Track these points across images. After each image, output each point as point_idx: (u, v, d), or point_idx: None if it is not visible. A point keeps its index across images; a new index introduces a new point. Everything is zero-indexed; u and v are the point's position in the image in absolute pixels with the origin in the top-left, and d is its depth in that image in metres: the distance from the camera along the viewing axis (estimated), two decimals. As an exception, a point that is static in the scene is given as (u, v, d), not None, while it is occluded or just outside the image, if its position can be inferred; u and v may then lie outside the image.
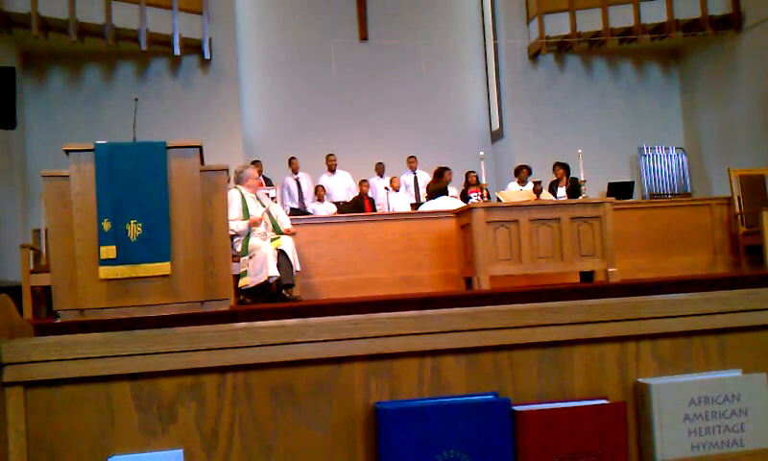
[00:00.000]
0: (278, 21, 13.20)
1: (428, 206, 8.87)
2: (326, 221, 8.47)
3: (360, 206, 10.46)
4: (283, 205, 11.18)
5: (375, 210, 10.52)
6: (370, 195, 11.18)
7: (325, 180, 11.47)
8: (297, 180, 11.37)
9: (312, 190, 11.37)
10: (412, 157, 11.70)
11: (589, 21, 12.19)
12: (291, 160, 11.44)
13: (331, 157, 11.50)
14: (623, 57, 13.13)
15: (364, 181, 10.97)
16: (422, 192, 11.28)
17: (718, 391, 1.42)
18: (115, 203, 5.10)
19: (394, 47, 13.01)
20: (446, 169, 10.53)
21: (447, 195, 9.09)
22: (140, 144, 5.54)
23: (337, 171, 11.50)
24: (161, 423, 1.30)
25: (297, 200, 11.23)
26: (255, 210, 6.98)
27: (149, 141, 5.53)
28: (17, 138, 10.40)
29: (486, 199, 7.59)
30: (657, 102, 13.21)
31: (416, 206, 10.77)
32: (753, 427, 1.42)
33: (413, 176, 11.64)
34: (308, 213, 10.54)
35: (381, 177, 11.58)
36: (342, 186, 11.32)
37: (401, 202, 10.87)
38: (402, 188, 11.50)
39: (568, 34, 12.28)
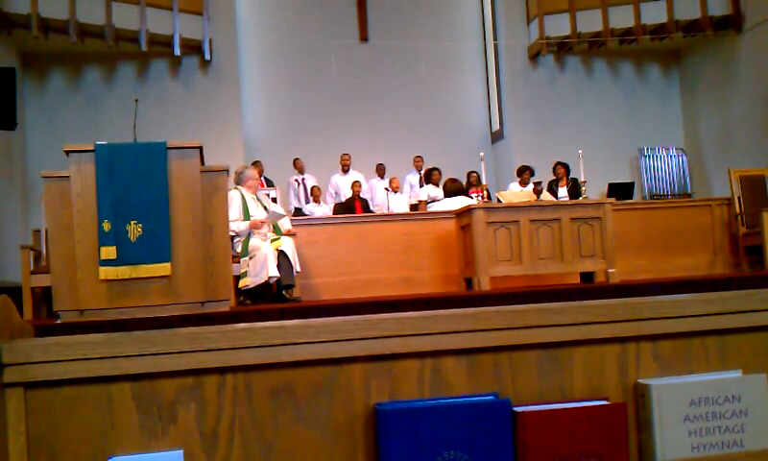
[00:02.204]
0: (279, 22, 13.20)
1: (444, 204, 8.85)
2: (327, 222, 8.47)
3: (351, 207, 10.45)
4: (288, 204, 11.21)
5: (368, 211, 10.51)
6: (368, 196, 11.18)
7: (338, 179, 11.47)
8: (302, 180, 11.37)
9: (316, 191, 11.38)
10: (418, 156, 11.69)
11: (590, 22, 12.19)
12: (295, 161, 11.45)
13: (345, 157, 11.48)
14: (623, 57, 13.13)
15: (357, 182, 10.96)
16: (425, 192, 11.27)
17: (718, 392, 1.42)
18: (115, 203, 5.10)
19: (394, 48, 13.01)
20: (435, 169, 10.55)
21: (465, 195, 9.09)
22: (140, 145, 5.55)
23: (350, 171, 11.49)
24: (162, 423, 1.30)
25: (301, 200, 11.24)
26: (256, 211, 6.98)
27: (149, 142, 5.54)
28: (18, 139, 10.40)
29: (486, 199, 7.59)
30: (657, 102, 13.21)
31: (415, 207, 10.76)
32: (753, 428, 1.42)
33: (419, 176, 11.62)
34: (305, 214, 10.55)
35: (382, 178, 11.56)
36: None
37: (400, 203, 10.86)
38: (407, 188, 11.49)
39: (568, 34, 12.28)
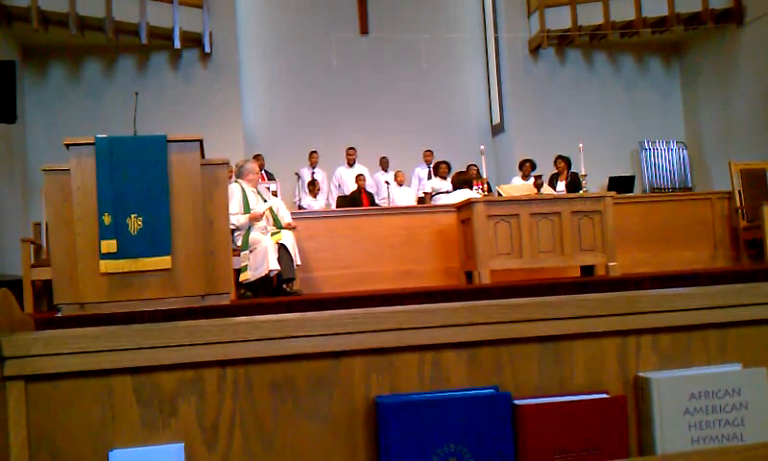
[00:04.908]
0: (279, 15, 13.18)
1: (450, 198, 8.83)
2: (327, 216, 8.47)
3: (358, 200, 10.45)
4: (294, 197, 11.22)
5: (375, 204, 10.51)
6: (372, 189, 11.17)
7: (342, 172, 11.47)
8: (313, 174, 11.38)
9: (326, 185, 11.37)
10: (428, 150, 11.69)
11: (590, 15, 12.17)
12: (311, 154, 11.47)
13: (350, 151, 11.51)
14: (624, 50, 13.10)
15: (360, 175, 10.96)
16: (430, 185, 11.26)
17: (718, 385, 1.42)
18: (116, 197, 5.10)
19: (394, 41, 12.99)
20: (443, 162, 10.54)
21: (471, 188, 9.07)
22: (141, 138, 5.54)
23: (356, 165, 11.50)
24: (162, 416, 1.30)
25: (307, 193, 11.24)
26: (256, 204, 6.98)
27: (149, 135, 5.53)
28: (18, 132, 10.39)
29: (487, 192, 7.59)
30: (658, 96, 13.19)
31: (422, 200, 10.76)
32: (753, 421, 1.43)
33: (428, 169, 11.61)
34: (303, 208, 10.55)
35: (386, 171, 11.57)
36: None
37: (405, 196, 10.85)
38: (415, 181, 11.49)
39: (569, 27, 12.25)
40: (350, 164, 11.50)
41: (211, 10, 11.73)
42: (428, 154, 11.68)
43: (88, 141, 5.18)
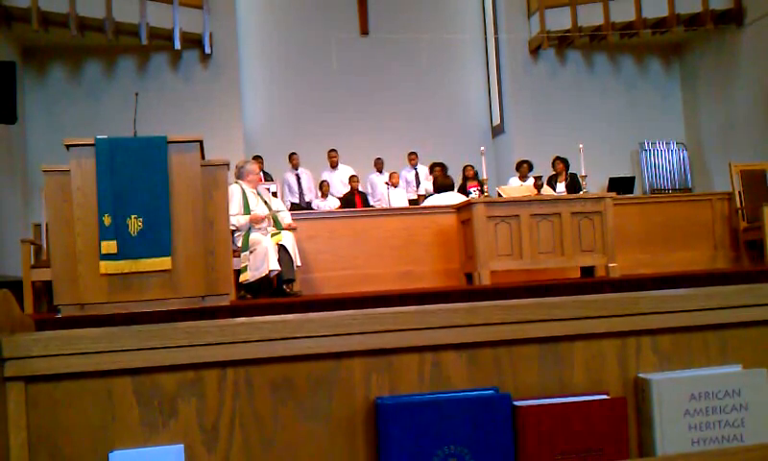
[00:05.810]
0: (279, 15, 13.18)
1: (434, 200, 8.85)
2: (327, 216, 8.47)
3: (351, 202, 10.44)
4: (283, 200, 11.20)
5: (368, 205, 10.50)
6: (367, 190, 11.17)
7: (327, 175, 11.47)
8: (297, 175, 11.38)
9: (312, 185, 11.37)
10: (413, 153, 11.70)
11: (591, 16, 12.18)
12: (291, 156, 11.45)
13: (332, 153, 11.51)
14: (624, 51, 13.11)
15: (354, 176, 10.95)
16: (423, 187, 11.27)
17: (719, 386, 1.42)
18: (116, 197, 5.10)
19: (394, 41, 12.99)
20: (437, 165, 10.54)
21: (454, 190, 9.07)
22: (141, 139, 5.54)
23: (339, 166, 11.49)
24: (162, 417, 1.30)
25: (297, 195, 11.24)
26: (256, 206, 6.98)
27: (149, 136, 5.53)
28: (18, 133, 10.40)
29: (486, 194, 7.59)
30: (658, 97, 13.20)
31: (415, 201, 10.76)
32: (753, 423, 1.43)
33: (414, 172, 11.62)
34: (311, 208, 10.55)
35: (380, 172, 11.57)
36: (343, 182, 11.32)
37: (400, 197, 10.86)
38: (403, 184, 11.49)
39: (569, 28, 12.26)
40: (334, 166, 11.50)
41: (211, 10, 11.74)
42: (413, 156, 11.69)
43: (88, 142, 5.18)
